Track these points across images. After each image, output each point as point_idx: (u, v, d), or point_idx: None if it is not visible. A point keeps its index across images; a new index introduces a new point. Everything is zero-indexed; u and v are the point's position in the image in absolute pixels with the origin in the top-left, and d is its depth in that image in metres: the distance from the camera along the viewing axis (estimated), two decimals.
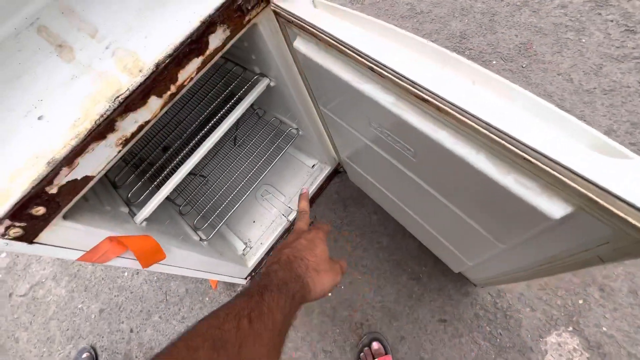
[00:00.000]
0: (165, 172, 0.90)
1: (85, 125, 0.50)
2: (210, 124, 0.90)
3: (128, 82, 0.52)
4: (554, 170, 0.36)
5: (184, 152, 0.90)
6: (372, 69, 0.50)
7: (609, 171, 0.33)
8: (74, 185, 0.53)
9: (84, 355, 1.40)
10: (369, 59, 0.49)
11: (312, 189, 1.36)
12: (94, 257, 0.62)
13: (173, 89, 0.57)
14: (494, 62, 1.53)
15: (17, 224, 0.49)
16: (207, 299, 1.42)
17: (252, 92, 0.88)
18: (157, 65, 0.53)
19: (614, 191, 0.32)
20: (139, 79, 0.52)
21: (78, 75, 0.57)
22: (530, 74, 1.45)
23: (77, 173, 0.52)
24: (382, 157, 0.75)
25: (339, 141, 1.07)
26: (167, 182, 0.83)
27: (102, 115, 0.50)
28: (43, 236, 0.53)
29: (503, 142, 0.38)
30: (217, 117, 0.90)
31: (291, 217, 1.33)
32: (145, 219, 0.79)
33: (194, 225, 1.12)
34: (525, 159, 0.38)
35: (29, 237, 0.51)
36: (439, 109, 0.43)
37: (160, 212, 0.93)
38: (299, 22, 0.59)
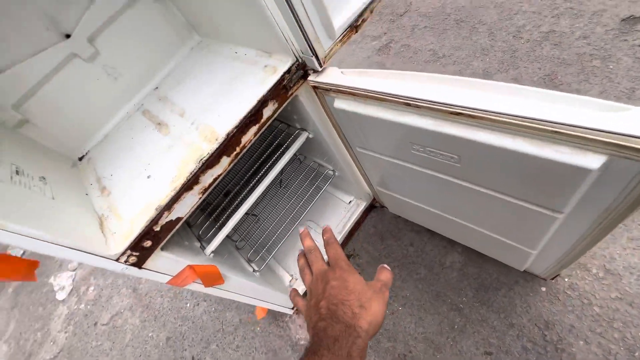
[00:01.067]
0: (227, 214, 1.10)
1: (180, 180, 0.70)
2: (262, 172, 1.09)
3: (208, 148, 0.73)
4: (580, 133, 0.46)
5: (242, 195, 1.10)
6: (408, 104, 0.64)
7: (620, 122, 0.44)
8: (170, 224, 0.72)
9: None
10: (404, 98, 0.63)
11: (349, 224, 1.48)
12: (178, 280, 0.80)
13: (238, 149, 0.77)
14: None
15: (134, 253, 0.68)
16: (258, 329, 1.54)
17: (295, 143, 1.07)
18: (228, 135, 0.73)
19: (631, 133, 0.42)
20: (215, 145, 0.72)
21: (173, 145, 0.79)
22: None
23: (173, 215, 0.72)
24: (426, 175, 0.85)
25: (376, 176, 1.19)
26: (228, 222, 1.01)
27: (191, 173, 0.70)
28: (148, 263, 0.72)
29: (535, 124, 0.49)
30: (267, 165, 1.09)
31: None
32: (212, 252, 0.97)
33: (247, 258, 1.29)
34: (555, 131, 0.48)
35: (139, 263, 0.70)
36: (471, 116, 0.56)
37: (221, 247, 1.11)
38: (336, 88, 0.76)
